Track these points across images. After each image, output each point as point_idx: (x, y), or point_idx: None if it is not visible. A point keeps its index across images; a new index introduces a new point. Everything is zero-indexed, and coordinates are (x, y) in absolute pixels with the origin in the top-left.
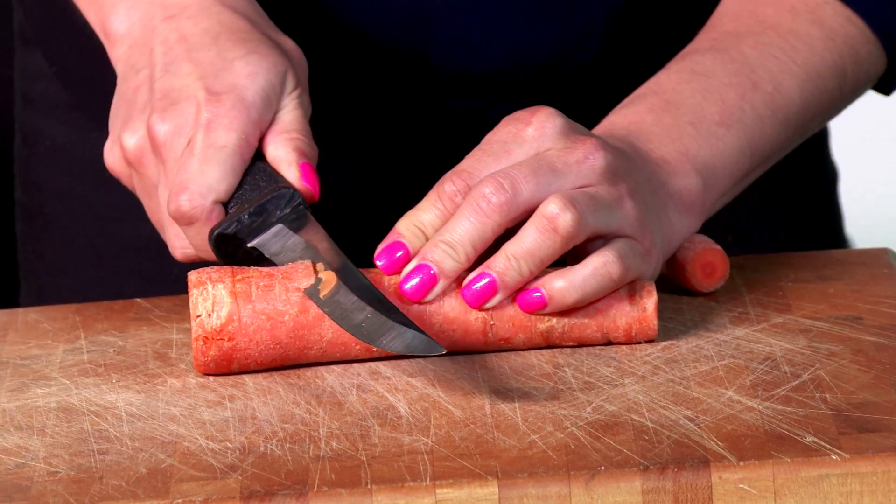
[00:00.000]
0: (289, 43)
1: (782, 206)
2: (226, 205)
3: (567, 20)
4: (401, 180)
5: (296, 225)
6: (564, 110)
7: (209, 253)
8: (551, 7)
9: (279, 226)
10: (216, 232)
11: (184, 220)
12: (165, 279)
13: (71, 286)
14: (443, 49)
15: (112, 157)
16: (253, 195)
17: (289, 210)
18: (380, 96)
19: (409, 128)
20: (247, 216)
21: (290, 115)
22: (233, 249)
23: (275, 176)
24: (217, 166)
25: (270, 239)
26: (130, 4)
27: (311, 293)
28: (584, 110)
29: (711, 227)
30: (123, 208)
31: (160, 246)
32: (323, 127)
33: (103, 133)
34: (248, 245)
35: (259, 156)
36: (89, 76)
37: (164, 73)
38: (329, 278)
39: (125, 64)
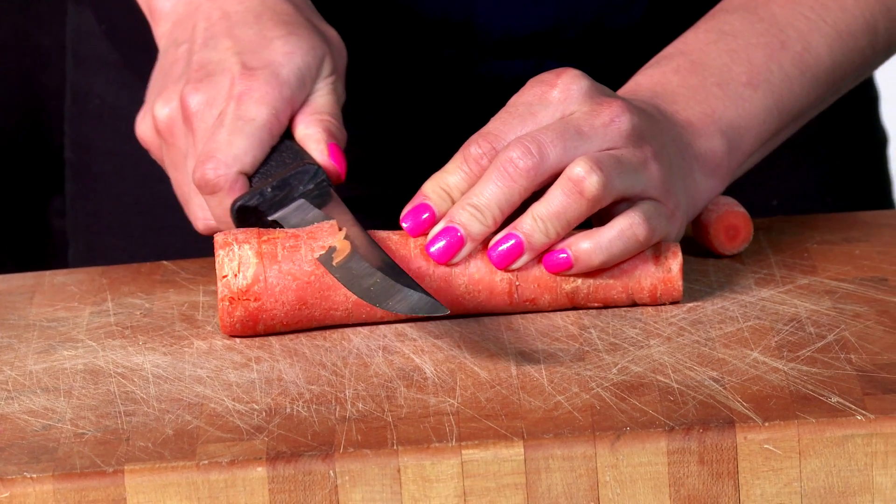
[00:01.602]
0: (331, 31)
1: (829, 170)
2: (251, 179)
3: None
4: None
5: (318, 201)
6: (613, 69)
7: (230, 225)
8: None
9: (301, 200)
10: (238, 204)
11: (207, 189)
12: (212, 239)
13: (119, 245)
14: (490, 11)
15: (143, 127)
16: (278, 171)
17: (312, 186)
18: (423, 62)
19: (454, 92)
20: (269, 190)
21: (324, 98)
22: (254, 222)
23: (301, 154)
24: (245, 138)
25: (291, 213)
26: None
27: (325, 261)
28: (634, 69)
29: (756, 191)
30: None
31: None
32: (364, 94)
33: None
34: (269, 218)
35: (288, 136)
36: (139, 35)
37: (202, 47)
38: (343, 247)
39: (167, 40)
